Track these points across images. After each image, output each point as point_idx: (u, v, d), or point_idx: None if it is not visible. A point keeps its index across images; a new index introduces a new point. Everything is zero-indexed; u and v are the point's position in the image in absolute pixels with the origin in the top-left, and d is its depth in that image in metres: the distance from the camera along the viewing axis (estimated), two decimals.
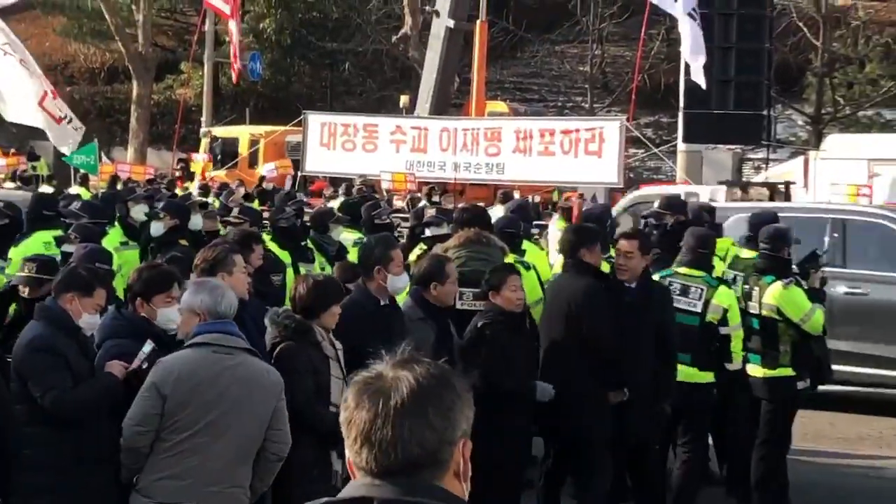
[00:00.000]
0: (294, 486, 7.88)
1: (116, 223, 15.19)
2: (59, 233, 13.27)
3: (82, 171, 28.32)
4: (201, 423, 7.20)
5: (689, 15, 26.35)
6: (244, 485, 7.35)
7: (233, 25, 36.25)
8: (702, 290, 11.20)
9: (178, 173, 35.61)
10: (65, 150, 25.84)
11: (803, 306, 11.23)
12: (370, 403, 3.09)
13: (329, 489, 7.86)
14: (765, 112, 29.02)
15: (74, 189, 26.46)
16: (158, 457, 7.27)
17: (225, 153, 38.01)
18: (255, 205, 23.35)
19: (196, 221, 14.81)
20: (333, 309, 8.51)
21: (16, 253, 12.56)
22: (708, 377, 11.25)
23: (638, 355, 10.43)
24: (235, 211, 15.64)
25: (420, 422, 3.07)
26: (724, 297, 11.28)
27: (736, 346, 11.33)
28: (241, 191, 26.81)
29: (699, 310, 11.21)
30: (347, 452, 3.18)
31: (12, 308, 10.35)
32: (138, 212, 15.33)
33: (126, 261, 13.92)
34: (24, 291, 9.42)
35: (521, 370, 9.93)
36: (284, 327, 8.42)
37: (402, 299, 9.87)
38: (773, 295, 11.28)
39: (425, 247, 12.83)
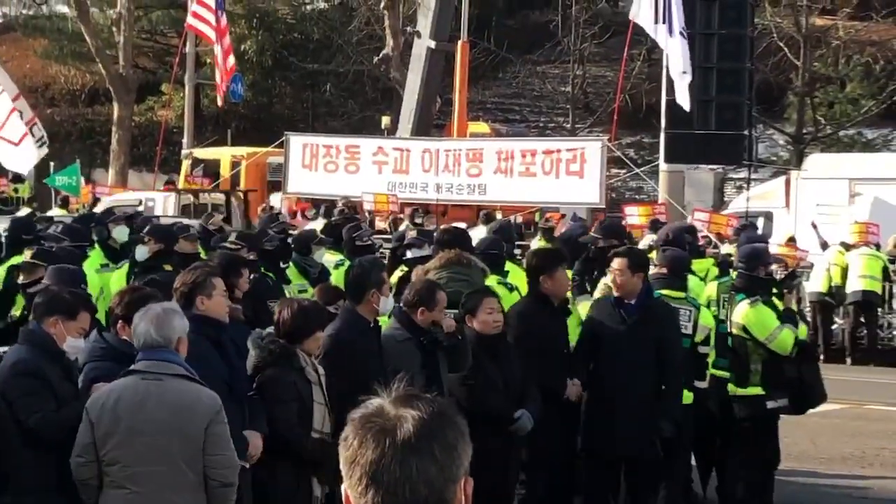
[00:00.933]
0: None
1: (97, 245, 15.12)
2: None
3: (63, 192, 28.24)
4: (131, 453, 7.18)
5: (681, 34, 26.39)
6: None
7: (218, 50, 36.14)
8: (690, 312, 11.28)
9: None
10: (22, 171, 25.80)
11: (768, 325, 11.27)
12: (375, 442, 2.97)
13: None
14: (746, 132, 29.09)
15: (55, 211, 26.39)
16: (106, 490, 7.27)
17: (206, 175, 37.94)
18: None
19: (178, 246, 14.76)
20: (318, 334, 8.49)
21: None
22: (690, 397, 11.30)
23: (634, 372, 10.46)
24: (233, 236, 15.53)
25: (427, 461, 2.96)
26: (708, 318, 11.40)
27: (709, 365, 11.48)
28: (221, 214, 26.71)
29: (690, 332, 11.29)
30: (350, 493, 3.07)
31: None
32: (120, 233, 15.26)
33: (106, 283, 13.88)
34: (19, 277, 9.72)
35: (502, 392, 9.89)
36: (269, 352, 8.39)
37: (383, 321, 9.85)
38: (741, 314, 11.40)
39: (406, 268, 12.81)
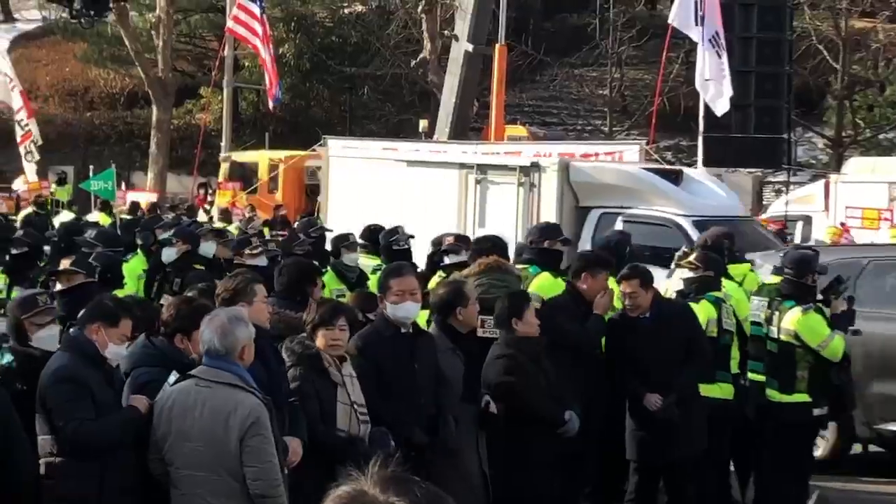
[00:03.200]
0: None
1: (139, 251, 15.23)
2: None
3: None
4: (180, 455, 7.36)
5: (710, 42, 26.31)
6: None
7: (265, 54, 36.23)
8: (730, 307, 11.55)
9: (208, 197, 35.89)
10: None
11: (821, 332, 11.25)
12: None
13: None
14: (785, 135, 28.98)
15: (94, 215, 26.56)
16: (170, 488, 7.48)
17: (244, 178, 38.09)
18: (266, 231, 23.40)
19: (208, 248, 14.86)
20: (320, 332, 8.54)
21: None
22: (730, 390, 11.57)
23: (666, 380, 10.50)
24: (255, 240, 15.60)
25: None
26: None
27: None
28: (259, 217, 26.83)
29: (732, 327, 11.63)
30: None
31: None
32: None
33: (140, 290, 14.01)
34: (55, 284, 10.05)
35: (548, 396, 9.88)
36: (292, 353, 8.46)
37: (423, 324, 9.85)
38: (792, 320, 11.32)
39: (444, 274, 12.81)
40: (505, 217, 19.73)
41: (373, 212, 17.84)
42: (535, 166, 20.44)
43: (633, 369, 10.73)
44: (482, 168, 21.32)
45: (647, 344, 10.68)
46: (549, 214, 19.21)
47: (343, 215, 20.14)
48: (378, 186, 21.03)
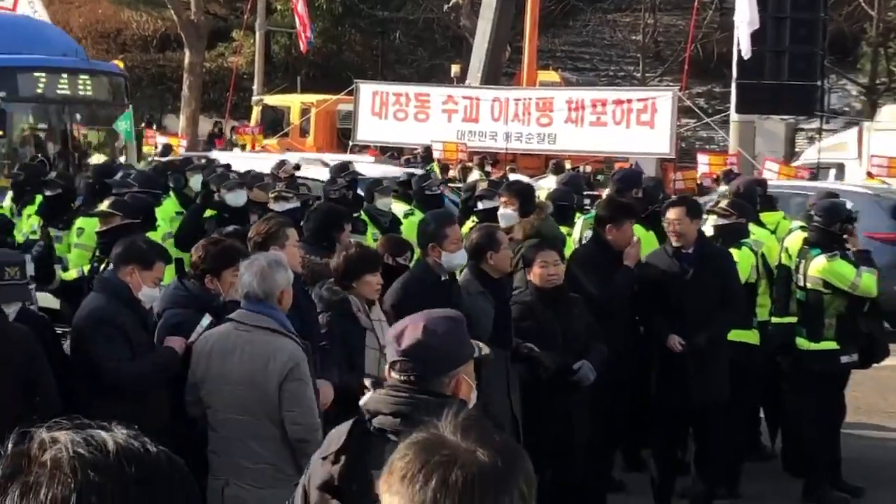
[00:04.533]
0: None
1: (172, 193, 15.26)
2: None
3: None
4: (219, 399, 7.38)
5: None
6: (276, 463, 7.34)
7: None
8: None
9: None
10: None
11: (849, 275, 11.20)
12: (464, 477, 2.44)
13: None
14: (818, 83, 28.86)
15: (125, 158, 26.57)
16: (209, 431, 7.51)
17: (276, 121, 38.08)
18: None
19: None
20: (366, 278, 8.51)
21: (87, 223, 12.67)
22: (755, 336, 11.57)
23: (700, 322, 10.43)
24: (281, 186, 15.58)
25: (517, 498, 2.49)
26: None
27: None
28: (294, 161, 26.76)
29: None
30: None
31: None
32: (197, 182, 15.40)
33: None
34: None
35: (560, 347, 9.80)
36: (320, 298, 8.49)
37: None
38: (818, 268, 11.27)
39: (477, 220, 12.80)
40: None
41: None
42: None
43: (665, 310, 10.65)
44: None
45: (684, 287, 10.56)
46: None
47: None
48: None
